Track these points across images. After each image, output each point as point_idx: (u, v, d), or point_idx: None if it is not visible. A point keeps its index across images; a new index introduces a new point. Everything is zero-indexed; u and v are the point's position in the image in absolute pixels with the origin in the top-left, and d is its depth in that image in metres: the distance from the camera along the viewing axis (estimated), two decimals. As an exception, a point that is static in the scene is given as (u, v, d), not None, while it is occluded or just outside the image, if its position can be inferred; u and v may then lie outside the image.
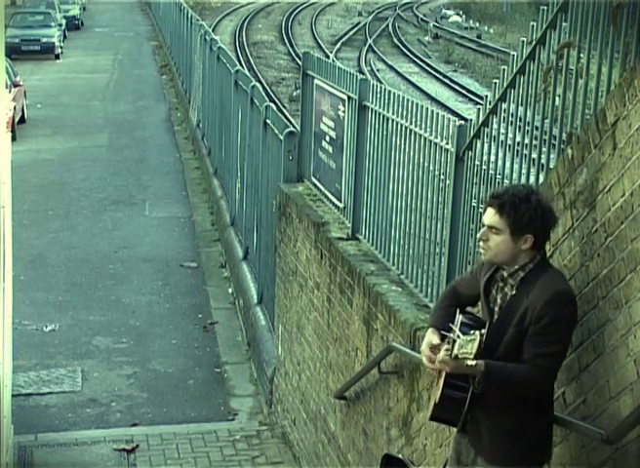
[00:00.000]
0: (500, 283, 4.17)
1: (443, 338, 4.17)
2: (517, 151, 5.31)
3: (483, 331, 3.89)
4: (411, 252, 6.59)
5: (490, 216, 4.08)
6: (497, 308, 4.16)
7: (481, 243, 4.13)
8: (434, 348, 4.17)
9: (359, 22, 47.47)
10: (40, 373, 10.64)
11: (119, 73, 31.27)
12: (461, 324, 4.07)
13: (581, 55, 4.60)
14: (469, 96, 27.69)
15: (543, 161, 4.95)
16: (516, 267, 4.09)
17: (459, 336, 3.89)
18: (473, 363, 3.80)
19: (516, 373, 3.97)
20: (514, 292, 4.09)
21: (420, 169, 6.41)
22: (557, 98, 4.85)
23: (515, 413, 4.08)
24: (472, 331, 3.86)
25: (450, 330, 4.08)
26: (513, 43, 34.45)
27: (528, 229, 4.02)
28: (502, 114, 5.40)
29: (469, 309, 4.41)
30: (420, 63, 34.88)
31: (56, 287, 13.13)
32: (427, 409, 4.47)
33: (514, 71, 5.22)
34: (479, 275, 4.31)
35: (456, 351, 3.83)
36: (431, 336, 4.25)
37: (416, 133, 6.43)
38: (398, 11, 53.02)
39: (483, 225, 4.15)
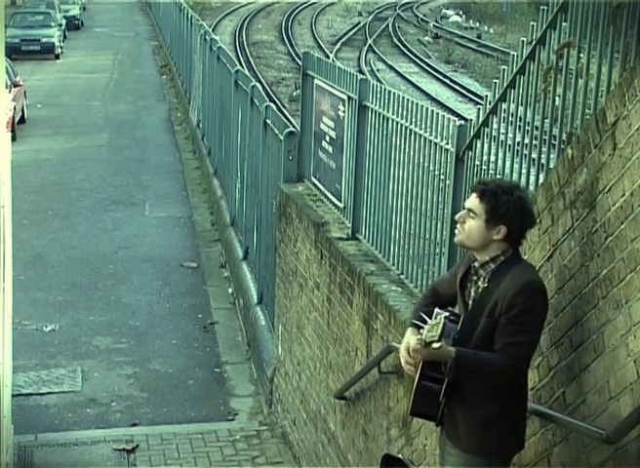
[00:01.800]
0: (474, 276, 4.24)
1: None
2: (517, 151, 5.32)
3: (447, 314, 4.00)
4: (411, 252, 6.60)
5: (471, 200, 4.19)
6: (470, 301, 4.24)
7: (457, 224, 4.22)
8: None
9: (359, 22, 47.46)
10: (40, 373, 10.64)
11: (119, 73, 31.27)
12: (437, 316, 4.12)
13: (581, 55, 4.60)
14: (469, 96, 27.69)
15: (543, 161, 4.95)
16: (487, 258, 4.17)
17: (426, 323, 3.98)
18: (438, 345, 3.88)
19: (487, 361, 4.03)
20: (486, 284, 4.17)
21: (420, 169, 6.41)
22: (557, 98, 4.86)
23: (491, 403, 4.13)
24: (438, 316, 3.95)
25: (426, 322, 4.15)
26: (513, 43, 34.46)
27: (503, 220, 4.10)
28: (502, 114, 5.40)
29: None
30: (420, 63, 34.88)
31: (56, 287, 13.13)
32: (407, 404, 4.51)
33: (514, 71, 5.22)
34: (458, 273, 4.38)
35: (423, 336, 3.93)
36: (409, 337, 4.28)
37: (416, 133, 6.43)
38: (398, 11, 53.02)
39: (463, 208, 4.24)
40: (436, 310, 4.20)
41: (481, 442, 4.18)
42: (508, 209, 4.08)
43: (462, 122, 5.97)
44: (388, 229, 7.03)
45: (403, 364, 4.29)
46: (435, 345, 3.89)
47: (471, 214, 4.15)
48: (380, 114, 7.13)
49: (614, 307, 3.91)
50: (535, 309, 4.02)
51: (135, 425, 9.69)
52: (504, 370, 4.03)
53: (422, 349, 3.99)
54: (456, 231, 4.24)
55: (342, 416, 7.43)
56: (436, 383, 4.15)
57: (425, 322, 4.14)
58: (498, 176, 5.40)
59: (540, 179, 4.88)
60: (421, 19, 49.97)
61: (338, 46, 38.69)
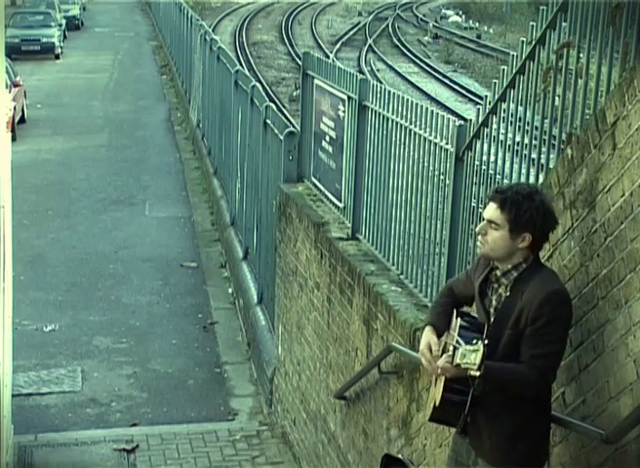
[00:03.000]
0: (495, 284, 4.17)
1: (439, 337, 4.20)
2: (517, 151, 5.32)
3: (486, 341, 3.85)
4: (411, 252, 6.60)
5: (491, 211, 4.07)
6: (492, 310, 4.16)
7: (479, 236, 4.12)
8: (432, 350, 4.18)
9: (359, 22, 47.45)
10: (40, 373, 10.63)
11: (119, 73, 31.26)
12: (460, 327, 4.07)
13: (581, 55, 4.60)
14: (469, 96, 27.68)
15: (543, 161, 4.95)
16: (509, 267, 4.09)
17: (459, 343, 3.88)
18: (477, 374, 3.77)
19: (515, 374, 3.97)
20: (508, 292, 4.09)
21: (420, 169, 6.41)
22: (557, 98, 4.85)
23: (515, 414, 4.07)
24: (475, 341, 3.83)
25: (448, 331, 4.09)
26: (513, 43, 34.45)
27: (527, 228, 4.01)
28: (502, 114, 5.40)
29: (466, 309, 4.42)
30: (420, 63, 34.86)
31: (56, 287, 13.13)
32: (426, 409, 4.47)
33: (514, 71, 5.22)
34: (473, 276, 4.31)
35: (458, 360, 3.80)
36: (429, 336, 4.24)
37: (415, 133, 6.43)
38: (398, 11, 52.99)
39: (483, 219, 4.15)
40: (459, 322, 4.10)
41: (508, 454, 4.11)
42: (531, 216, 3.98)
43: (462, 122, 5.97)
44: (388, 229, 7.03)
45: (425, 363, 4.22)
46: (474, 373, 3.77)
47: (493, 225, 4.05)
48: (380, 114, 7.13)
49: (613, 307, 3.90)
50: (560, 319, 3.95)
51: (135, 425, 9.69)
52: (531, 382, 3.96)
53: (452, 369, 3.90)
54: (478, 243, 4.15)
55: (342, 416, 7.43)
56: (460, 395, 4.08)
57: (448, 330, 4.10)
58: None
59: (540, 179, 4.87)
60: (421, 20, 49.94)
61: (338, 46, 38.67)
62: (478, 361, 3.76)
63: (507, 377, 3.97)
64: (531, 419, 4.08)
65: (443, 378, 4.11)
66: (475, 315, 4.27)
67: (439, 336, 4.23)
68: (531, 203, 4.00)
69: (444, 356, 4.00)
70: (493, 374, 3.92)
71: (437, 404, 4.16)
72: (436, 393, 4.21)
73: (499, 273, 4.14)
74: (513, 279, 4.08)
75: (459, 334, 3.98)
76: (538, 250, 4.11)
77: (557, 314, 3.94)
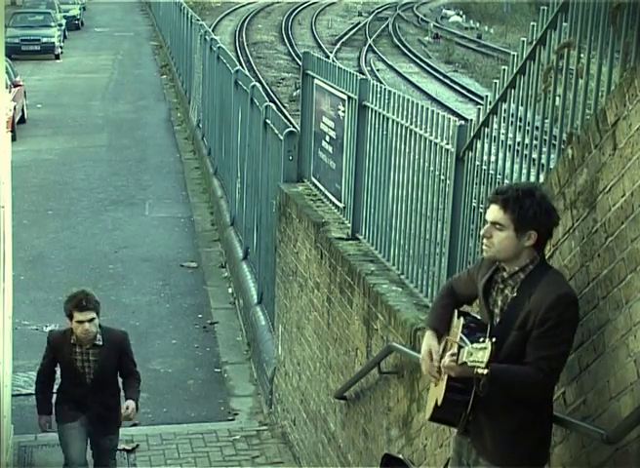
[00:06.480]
0: (501, 285, 4.15)
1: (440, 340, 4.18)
2: (517, 151, 5.31)
3: (494, 339, 3.82)
4: (411, 252, 6.59)
5: (494, 213, 4.05)
6: (497, 310, 4.14)
7: (485, 240, 4.09)
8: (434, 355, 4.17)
9: (359, 22, 47.46)
10: (40, 373, 10.60)
11: (119, 73, 31.27)
12: (463, 326, 4.05)
13: (582, 55, 4.60)
14: (470, 96, 27.69)
15: (544, 161, 4.95)
16: (516, 268, 4.07)
17: (464, 341, 3.86)
18: (485, 372, 3.75)
19: (520, 375, 3.95)
20: (515, 294, 4.06)
21: (421, 169, 6.41)
22: (557, 98, 4.85)
23: (517, 415, 4.07)
24: (482, 339, 3.81)
25: (449, 332, 4.08)
26: (513, 43, 34.44)
27: (532, 225, 4.00)
28: (503, 114, 5.40)
29: (467, 308, 4.41)
30: (421, 63, 34.87)
31: (56, 287, 13.11)
32: (427, 408, 4.47)
33: (514, 71, 5.22)
34: (476, 276, 4.28)
35: (464, 358, 3.78)
36: (430, 341, 4.22)
37: (416, 133, 6.43)
38: (398, 11, 53.00)
39: (485, 222, 4.12)
40: (462, 322, 4.07)
41: (510, 454, 4.11)
42: (535, 212, 3.97)
43: (463, 122, 5.96)
44: (388, 229, 7.02)
45: (424, 369, 4.23)
46: (482, 372, 3.74)
47: (497, 226, 4.02)
48: (380, 114, 7.13)
49: (614, 307, 3.90)
50: (567, 322, 3.94)
51: (135, 425, 9.67)
52: (536, 384, 3.95)
53: (457, 367, 3.89)
54: (484, 247, 4.11)
55: (342, 416, 7.43)
56: (462, 394, 4.07)
57: (449, 331, 4.09)
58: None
59: (541, 180, 4.87)
60: (422, 20, 49.95)
61: (338, 46, 38.67)
62: (486, 359, 3.72)
63: (513, 379, 3.95)
64: (533, 419, 4.07)
65: (445, 378, 4.09)
66: (476, 315, 4.26)
67: (440, 340, 4.21)
68: (532, 200, 3.99)
69: (448, 354, 3.97)
70: (498, 375, 3.89)
71: (439, 403, 4.15)
72: (437, 392, 4.19)
73: (505, 275, 4.11)
74: (520, 280, 4.06)
75: (462, 333, 3.96)
76: (543, 248, 4.09)
77: (565, 317, 3.92)
